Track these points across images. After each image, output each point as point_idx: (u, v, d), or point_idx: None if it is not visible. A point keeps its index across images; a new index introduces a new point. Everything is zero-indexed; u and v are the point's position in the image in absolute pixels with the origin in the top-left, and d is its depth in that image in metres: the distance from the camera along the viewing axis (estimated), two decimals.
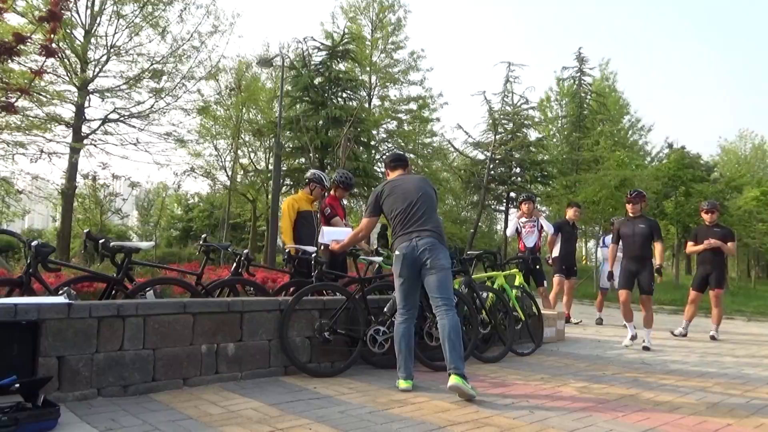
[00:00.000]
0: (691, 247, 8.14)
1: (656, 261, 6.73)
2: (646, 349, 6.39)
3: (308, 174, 6.64)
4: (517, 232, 8.70)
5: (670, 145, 30.15)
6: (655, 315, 6.81)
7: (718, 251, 7.83)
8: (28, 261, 4.05)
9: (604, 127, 25.59)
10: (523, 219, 8.64)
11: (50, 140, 15.36)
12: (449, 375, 3.84)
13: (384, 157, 24.54)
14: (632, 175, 22.48)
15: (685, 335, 7.88)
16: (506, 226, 25.24)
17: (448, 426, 3.14)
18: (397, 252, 4.17)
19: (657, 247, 6.70)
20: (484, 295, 5.60)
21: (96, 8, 15.08)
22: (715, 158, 37.49)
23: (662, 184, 24.93)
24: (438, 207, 4.55)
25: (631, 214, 6.86)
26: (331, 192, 6.67)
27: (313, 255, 5.63)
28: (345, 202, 6.84)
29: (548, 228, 8.65)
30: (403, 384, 4.04)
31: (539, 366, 5.17)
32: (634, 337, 6.72)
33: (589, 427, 3.21)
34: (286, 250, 5.86)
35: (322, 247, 7.06)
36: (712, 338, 7.67)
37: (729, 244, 7.81)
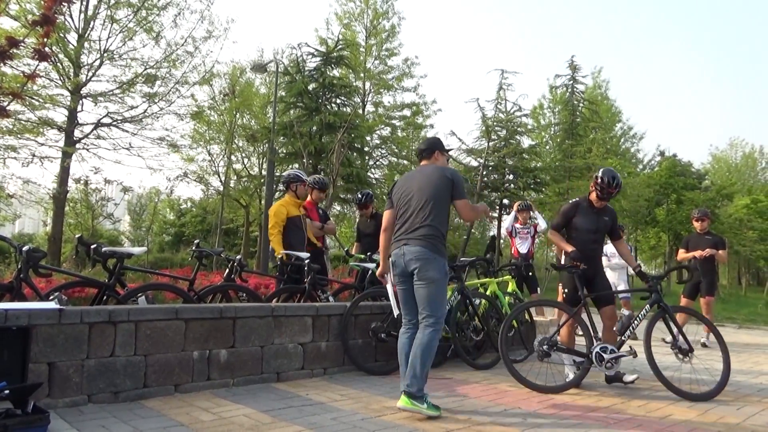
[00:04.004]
0: (682, 254, 8.20)
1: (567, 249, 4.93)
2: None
3: (284, 176, 6.37)
4: (510, 234, 8.69)
5: (662, 153, 30.43)
6: (647, 322, 6.37)
7: (709, 259, 7.89)
8: (19, 266, 4.02)
9: (596, 135, 25.77)
10: (518, 225, 8.65)
11: (42, 144, 15.29)
12: (401, 392, 3.59)
13: (377, 162, 24.63)
14: (624, 183, 22.63)
15: None
16: (499, 231, 25.35)
17: None
18: (390, 257, 3.95)
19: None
20: (477, 302, 5.61)
21: (89, 12, 15.04)
22: (706, 166, 37.83)
23: (654, 191, 25.11)
24: (465, 196, 3.97)
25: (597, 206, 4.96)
26: (308, 197, 6.53)
27: (306, 261, 5.62)
28: (323, 204, 6.74)
29: (543, 224, 8.61)
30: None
31: (532, 373, 5.17)
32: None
33: None
34: (278, 257, 5.82)
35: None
36: (703, 345, 7.71)
37: (720, 252, 7.87)
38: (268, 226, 6.09)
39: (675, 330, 4.61)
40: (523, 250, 8.51)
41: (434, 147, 4.18)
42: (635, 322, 4.75)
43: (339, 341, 4.77)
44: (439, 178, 3.85)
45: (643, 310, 4.82)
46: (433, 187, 3.82)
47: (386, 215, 4.04)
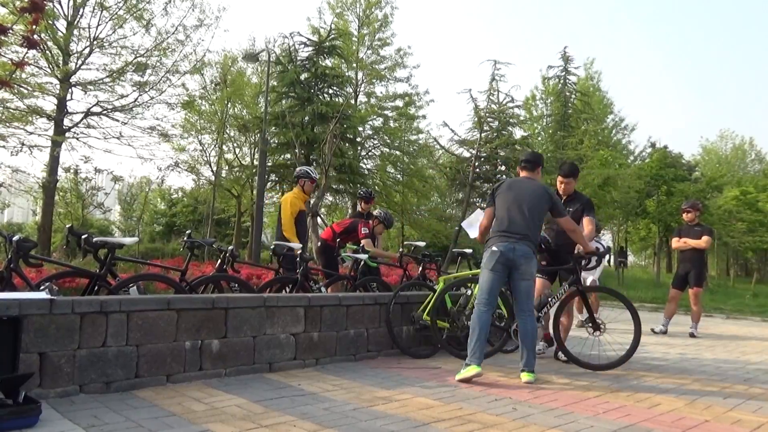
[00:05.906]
0: (676, 242, 8.32)
1: None
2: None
3: (297, 171, 6.81)
4: None
5: (653, 145, 30.52)
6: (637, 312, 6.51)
7: (698, 250, 7.98)
8: (9, 256, 4.00)
9: (588, 126, 25.80)
10: None
11: (31, 133, 15.14)
12: (521, 371, 4.37)
13: (369, 153, 24.56)
14: (615, 174, 22.73)
15: (665, 332, 8.01)
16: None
17: (432, 423, 3.16)
18: (494, 248, 4.42)
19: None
20: (469, 292, 5.63)
21: None
22: (696, 158, 38.08)
23: (644, 183, 25.22)
24: (565, 213, 4.76)
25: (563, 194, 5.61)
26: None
27: (298, 252, 5.63)
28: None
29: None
30: (474, 369, 4.22)
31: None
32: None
33: (571, 423, 3.25)
34: (271, 247, 5.86)
35: (320, 244, 7.14)
36: (691, 335, 7.80)
37: (703, 237, 7.95)
38: (284, 215, 6.32)
39: (584, 309, 5.05)
40: None
41: (538, 162, 4.89)
42: (552, 300, 5.14)
43: (332, 332, 4.78)
44: (547, 197, 4.59)
45: (562, 290, 5.14)
46: (545, 204, 4.57)
47: (488, 212, 4.72)
